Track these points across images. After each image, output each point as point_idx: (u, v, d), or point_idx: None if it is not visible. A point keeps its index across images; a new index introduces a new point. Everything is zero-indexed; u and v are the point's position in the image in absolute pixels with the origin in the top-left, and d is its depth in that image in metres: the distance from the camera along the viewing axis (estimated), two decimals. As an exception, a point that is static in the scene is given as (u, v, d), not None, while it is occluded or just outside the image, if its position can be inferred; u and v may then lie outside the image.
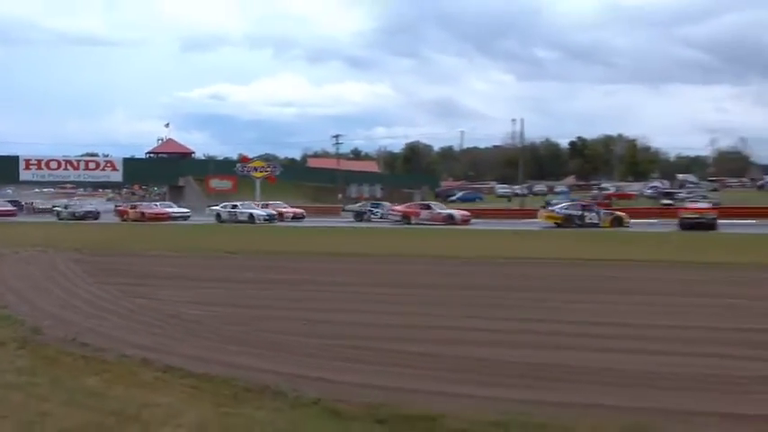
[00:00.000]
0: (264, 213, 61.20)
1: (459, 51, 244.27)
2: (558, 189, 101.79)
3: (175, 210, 68.79)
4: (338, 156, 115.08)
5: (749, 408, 10.04)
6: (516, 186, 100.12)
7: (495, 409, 9.48)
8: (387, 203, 63.48)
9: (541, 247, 33.55)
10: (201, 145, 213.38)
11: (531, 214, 55.06)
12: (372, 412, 9.42)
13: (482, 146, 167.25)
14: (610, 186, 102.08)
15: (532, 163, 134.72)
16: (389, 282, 22.99)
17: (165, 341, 14.59)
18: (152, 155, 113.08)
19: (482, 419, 9.04)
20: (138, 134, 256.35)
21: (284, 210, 65.20)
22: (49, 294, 20.77)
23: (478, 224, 53.99)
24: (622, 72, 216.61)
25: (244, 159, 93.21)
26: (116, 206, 76.88)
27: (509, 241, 38.35)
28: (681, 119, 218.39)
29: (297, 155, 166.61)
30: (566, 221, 47.35)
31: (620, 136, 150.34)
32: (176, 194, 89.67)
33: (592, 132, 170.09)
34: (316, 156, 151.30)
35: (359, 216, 60.32)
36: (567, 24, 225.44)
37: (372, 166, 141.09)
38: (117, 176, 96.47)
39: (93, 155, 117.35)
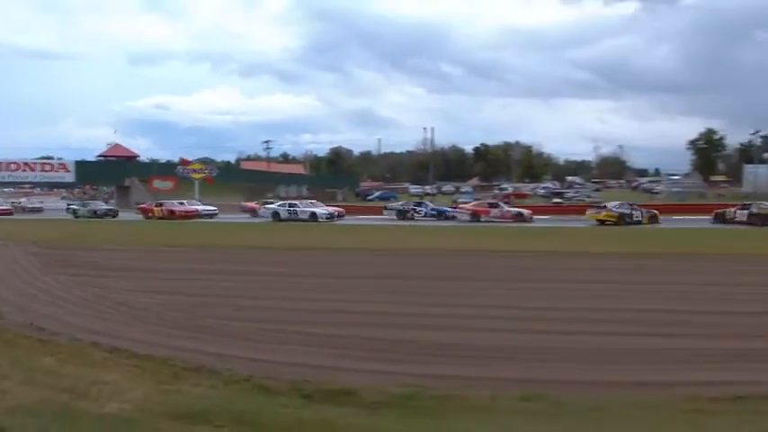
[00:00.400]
0: (326, 212, 54.78)
1: (378, 67, 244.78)
2: (464, 189, 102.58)
3: (204, 207, 62.00)
4: (268, 159, 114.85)
5: (612, 375, 10.51)
6: (427, 187, 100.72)
7: (404, 383, 9.64)
8: (429, 202, 59.26)
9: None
10: (146, 149, 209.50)
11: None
12: (298, 388, 9.44)
13: (398, 151, 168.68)
14: (509, 187, 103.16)
15: (442, 166, 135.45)
16: (351, 273, 22.73)
17: (114, 326, 14.40)
18: (101, 158, 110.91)
19: (395, 392, 9.14)
20: (88, 139, 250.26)
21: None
22: (10, 284, 20.33)
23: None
24: (518, 87, 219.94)
25: (184, 162, 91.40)
26: (136, 204, 67.57)
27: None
28: (569, 128, 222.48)
29: (232, 158, 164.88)
30: (620, 219, 45.01)
31: (517, 143, 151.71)
32: (123, 194, 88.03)
33: (493, 139, 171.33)
34: (249, 159, 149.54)
35: (401, 214, 54.31)
36: (472, 45, 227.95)
37: (299, 169, 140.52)
38: (70, 177, 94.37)
39: (48, 158, 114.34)
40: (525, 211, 51.76)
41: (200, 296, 18.10)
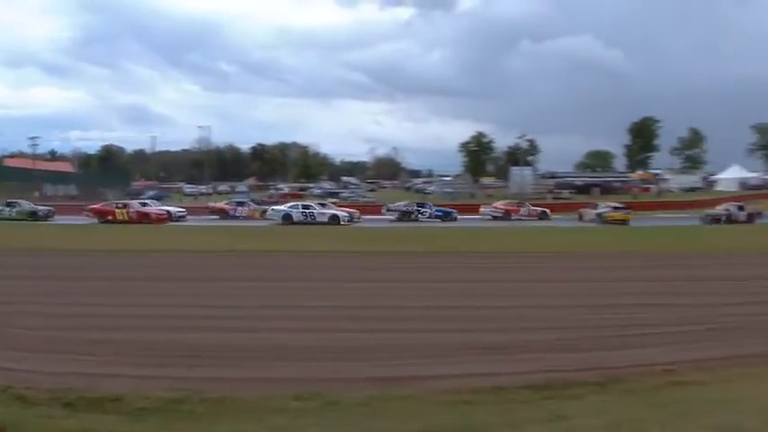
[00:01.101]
0: (346, 214, 50.28)
1: (152, 63, 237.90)
2: (239, 189, 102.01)
3: (176, 209, 54.55)
4: (34, 156, 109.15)
5: (380, 371, 10.90)
6: (202, 186, 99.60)
7: (172, 387, 9.49)
8: (431, 204, 57.30)
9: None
10: None
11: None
12: (59, 397, 9.04)
13: (173, 149, 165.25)
14: (284, 187, 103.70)
15: (218, 165, 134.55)
16: (142, 276, 22.29)
17: None
18: None
19: (163, 397, 8.99)
20: None
21: None
22: None
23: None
24: (295, 87, 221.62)
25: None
26: (86, 205, 55.26)
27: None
28: (345, 129, 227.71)
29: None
30: None
31: (294, 143, 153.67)
32: None
33: (271, 139, 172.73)
34: (13, 156, 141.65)
35: (405, 215, 52.94)
36: (248, 43, 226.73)
37: (68, 167, 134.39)
38: None
39: None
40: (548, 210, 56.34)
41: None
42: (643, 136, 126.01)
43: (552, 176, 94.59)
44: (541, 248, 30.56)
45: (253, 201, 60.67)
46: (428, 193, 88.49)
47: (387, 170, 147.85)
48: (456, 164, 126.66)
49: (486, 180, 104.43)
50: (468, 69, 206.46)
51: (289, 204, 52.82)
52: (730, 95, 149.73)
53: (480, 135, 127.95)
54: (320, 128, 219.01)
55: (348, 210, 53.03)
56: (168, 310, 16.13)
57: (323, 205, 53.10)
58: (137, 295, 18.31)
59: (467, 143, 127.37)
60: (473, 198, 74.58)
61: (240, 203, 57.34)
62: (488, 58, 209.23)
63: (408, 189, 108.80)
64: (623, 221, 48.16)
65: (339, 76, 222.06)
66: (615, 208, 51.03)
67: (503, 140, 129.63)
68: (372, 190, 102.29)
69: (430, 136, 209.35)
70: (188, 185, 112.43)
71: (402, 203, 56.71)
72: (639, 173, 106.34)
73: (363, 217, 51.59)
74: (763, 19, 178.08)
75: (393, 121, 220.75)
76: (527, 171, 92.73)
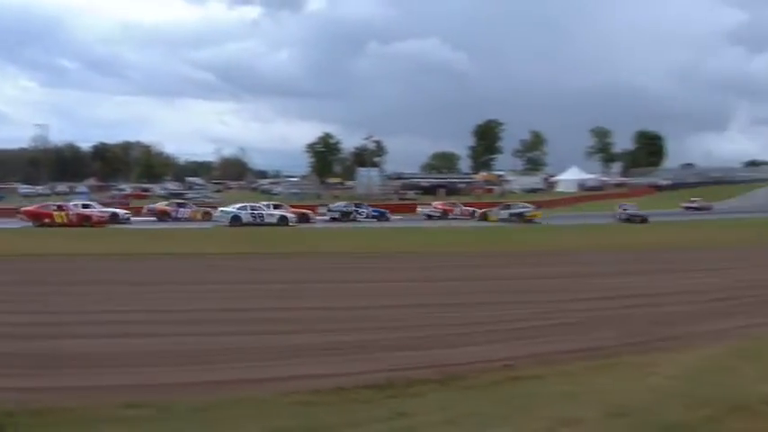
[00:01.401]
0: (294, 216, 49.80)
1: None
2: (79, 189, 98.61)
3: (124, 212, 51.24)
4: None
5: (217, 375, 10.73)
6: (39, 187, 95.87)
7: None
8: (367, 205, 59.22)
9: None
10: None
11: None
12: None
13: (9, 147, 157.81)
14: (126, 187, 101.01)
15: (56, 165, 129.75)
16: None
17: None
18: None
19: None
20: None
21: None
22: None
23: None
24: (139, 85, 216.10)
25: None
26: (20, 207, 50.44)
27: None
28: (190, 129, 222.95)
29: None
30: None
31: (137, 142, 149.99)
32: None
33: (113, 138, 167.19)
34: None
35: (344, 216, 54.36)
36: (89, 38, 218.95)
37: None
38: None
39: None
40: (477, 210, 59.38)
41: None
42: (487, 138, 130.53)
43: (399, 177, 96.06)
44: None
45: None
46: (275, 194, 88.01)
47: (233, 171, 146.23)
48: (303, 164, 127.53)
49: (332, 181, 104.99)
50: (315, 70, 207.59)
51: (237, 205, 51.14)
52: (570, 100, 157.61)
53: (327, 136, 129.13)
54: (165, 127, 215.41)
55: (303, 210, 53.28)
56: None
57: (277, 207, 52.93)
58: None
59: (313, 144, 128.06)
60: (320, 199, 74.79)
61: (181, 205, 55.56)
62: (335, 60, 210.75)
63: (255, 190, 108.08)
64: (532, 219, 54.13)
65: (185, 74, 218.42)
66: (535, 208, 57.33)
67: (350, 141, 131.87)
68: (218, 191, 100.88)
69: (277, 136, 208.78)
70: (23, 186, 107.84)
71: (341, 204, 58.46)
72: (483, 174, 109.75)
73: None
74: (601, 29, 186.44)
75: (239, 122, 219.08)
76: (374, 172, 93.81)
